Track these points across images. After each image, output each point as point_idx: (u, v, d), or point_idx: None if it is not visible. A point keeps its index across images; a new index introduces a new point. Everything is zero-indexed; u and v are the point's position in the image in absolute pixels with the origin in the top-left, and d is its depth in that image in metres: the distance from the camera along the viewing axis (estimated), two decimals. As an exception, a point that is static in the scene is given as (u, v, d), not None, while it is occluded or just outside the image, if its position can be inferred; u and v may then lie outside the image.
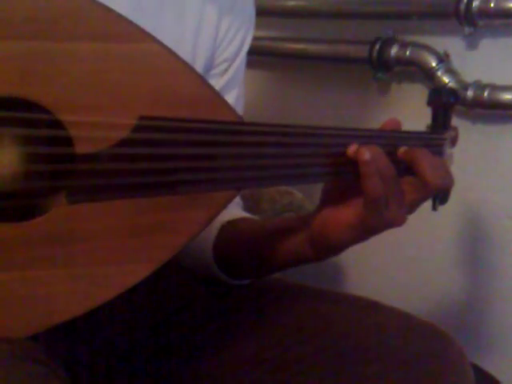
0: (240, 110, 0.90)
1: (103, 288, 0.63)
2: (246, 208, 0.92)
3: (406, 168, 0.73)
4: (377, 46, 1.32)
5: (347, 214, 0.72)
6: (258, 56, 1.51)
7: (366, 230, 0.72)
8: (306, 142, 0.70)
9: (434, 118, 0.80)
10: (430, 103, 0.80)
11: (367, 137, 0.73)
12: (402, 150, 0.73)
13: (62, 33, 0.60)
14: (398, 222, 0.72)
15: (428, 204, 0.80)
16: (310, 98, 1.50)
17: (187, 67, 0.65)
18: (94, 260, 0.63)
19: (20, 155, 0.61)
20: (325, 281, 1.43)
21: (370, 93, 1.39)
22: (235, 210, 0.88)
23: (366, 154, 0.69)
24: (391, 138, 0.74)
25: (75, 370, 0.79)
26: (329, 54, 1.44)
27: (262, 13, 1.49)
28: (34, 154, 0.61)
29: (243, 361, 0.78)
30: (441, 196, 0.80)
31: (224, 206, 0.67)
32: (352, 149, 0.70)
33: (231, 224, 0.84)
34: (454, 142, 0.81)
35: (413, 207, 0.74)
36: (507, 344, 1.28)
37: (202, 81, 0.66)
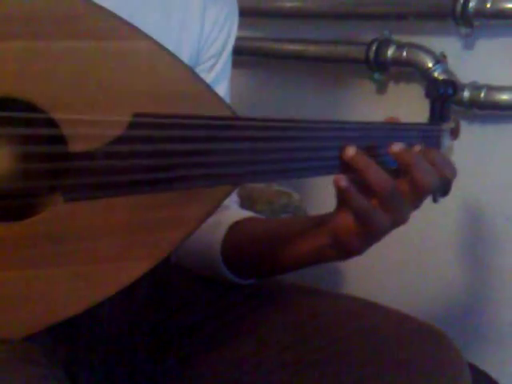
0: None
1: (102, 285, 0.63)
2: (243, 208, 0.91)
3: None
4: (374, 47, 1.32)
5: (351, 219, 0.71)
6: (255, 57, 1.52)
7: (369, 235, 0.71)
8: (302, 136, 0.70)
9: (432, 109, 0.79)
10: (427, 95, 0.80)
11: (365, 129, 0.72)
12: (394, 149, 0.70)
13: (55, 32, 0.60)
14: (399, 222, 0.71)
15: (427, 206, 0.80)
16: (308, 98, 1.50)
17: (180, 63, 0.65)
18: (93, 258, 0.63)
19: (16, 155, 0.61)
20: (322, 281, 1.43)
21: (368, 93, 1.39)
22: (239, 210, 0.88)
23: (343, 181, 0.67)
24: (388, 130, 0.74)
25: (74, 370, 0.79)
26: (326, 55, 1.44)
27: (259, 14, 1.50)
28: (30, 153, 0.61)
29: (241, 360, 0.78)
30: (442, 188, 0.80)
31: (221, 201, 0.67)
32: (347, 153, 0.69)
33: (240, 225, 0.83)
34: (454, 133, 0.80)
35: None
36: (505, 344, 1.28)
37: (194, 76, 0.66)
